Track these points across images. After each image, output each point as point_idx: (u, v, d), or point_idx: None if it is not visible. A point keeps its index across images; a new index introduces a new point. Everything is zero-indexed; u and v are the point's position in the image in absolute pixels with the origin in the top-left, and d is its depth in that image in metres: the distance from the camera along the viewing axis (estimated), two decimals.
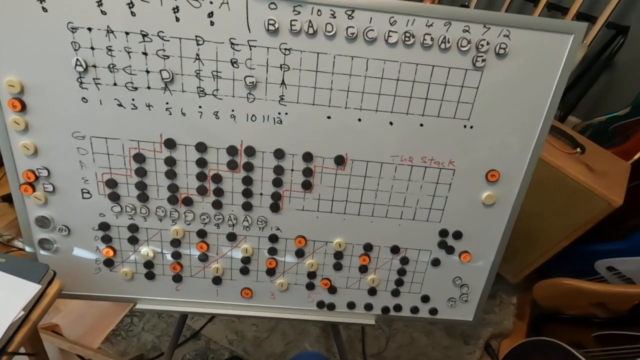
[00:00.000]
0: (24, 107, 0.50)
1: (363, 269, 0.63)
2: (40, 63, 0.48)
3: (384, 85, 0.51)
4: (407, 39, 0.48)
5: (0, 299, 0.51)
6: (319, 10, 0.47)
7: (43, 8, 0.45)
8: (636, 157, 1.09)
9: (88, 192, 0.56)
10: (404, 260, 0.62)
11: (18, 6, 0.45)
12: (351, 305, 0.66)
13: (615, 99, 1.53)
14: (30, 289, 0.52)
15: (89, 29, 0.47)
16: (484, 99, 0.51)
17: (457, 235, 0.60)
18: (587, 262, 1.09)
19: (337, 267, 0.63)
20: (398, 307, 0.66)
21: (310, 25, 0.47)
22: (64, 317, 1.23)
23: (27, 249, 0.60)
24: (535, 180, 0.56)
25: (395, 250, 0.61)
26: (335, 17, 0.47)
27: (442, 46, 0.48)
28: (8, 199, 1.47)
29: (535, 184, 0.56)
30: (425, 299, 0.65)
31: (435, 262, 0.62)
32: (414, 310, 0.66)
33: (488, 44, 0.48)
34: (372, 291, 0.64)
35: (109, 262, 0.61)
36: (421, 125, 0.53)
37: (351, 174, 0.56)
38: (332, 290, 0.64)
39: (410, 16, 0.47)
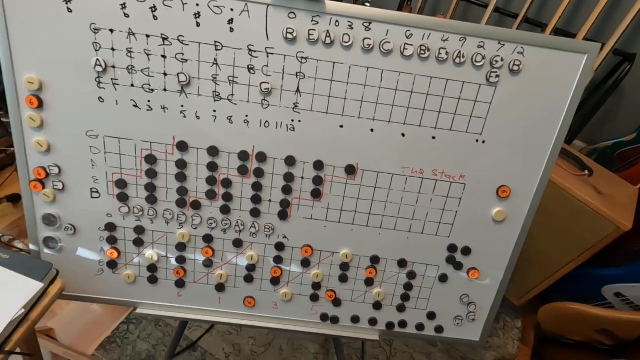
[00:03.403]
0: (40, 104, 0.51)
1: (369, 282, 0.62)
2: (60, 62, 0.49)
3: (398, 96, 0.51)
4: (422, 52, 0.48)
5: (0, 295, 0.50)
6: (337, 21, 0.47)
7: (68, 9, 0.46)
8: None
9: (97, 192, 0.56)
10: (411, 275, 0.61)
11: (44, 5, 0.46)
12: (355, 320, 0.65)
13: (620, 125, 1.54)
14: (32, 287, 0.51)
15: (111, 31, 0.48)
16: (496, 114, 0.51)
17: (466, 251, 0.59)
18: (593, 286, 1.07)
19: (343, 278, 0.62)
20: (403, 324, 0.64)
21: (328, 35, 0.48)
22: (58, 321, 1.20)
23: (32, 246, 0.59)
24: (541, 201, 0.56)
25: (402, 263, 0.60)
26: (352, 29, 0.48)
27: (457, 61, 0.49)
28: (12, 199, 1.47)
29: (542, 205, 0.55)
30: (431, 315, 0.64)
31: (443, 278, 0.61)
32: (420, 327, 0.65)
33: (502, 60, 0.48)
34: (378, 305, 0.63)
35: (112, 264, 0.60)
36: (433, 138, 0.53)
37: (361, 184, 0.56)
38: (337, 302, 0.63)
39: (427, 30, 0.48)
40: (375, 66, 0.49)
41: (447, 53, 0.48)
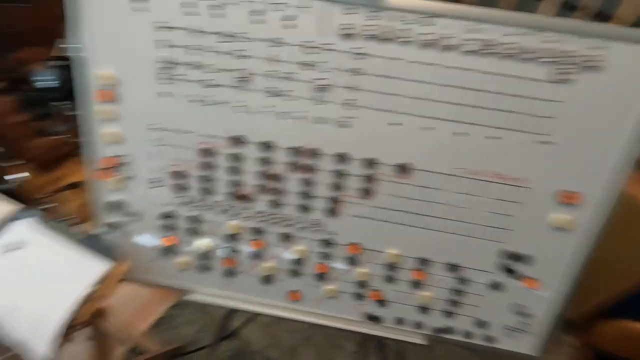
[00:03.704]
0: (110, 99, 0.54)
1: (416, 284, 0.60)
2: (129, 58, 0.52)
3: (457, 94, 0.49)
4: (486, 47, 0.46)
5: (74, 273, 0.54)
6: (396, 16, 0.46)
7: (134, 8, 0.49)
8: None
9: (157, 182, 0.59)
10: (462, 280, 0.59)
11: (118, 6, 0.49)
12: (399, 321, 0.63)
13: None
14: (102, 265, 0.55)
15: (177, 29, 0.50)
16: (568, 114, 0.48)
17: (524, 258, 0.56)
18: None
19: (389, 279, 0.60)
20: (450, 330, 0.62)
21: (386, 30, 0.47)
22: (111, 301, 1.30)
23: (97, 230, 0.64)
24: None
25: (452, 267, 0.58)
26: (412, 24, 0.46)
27: (524, 56, 0.46)
28: (74, 186, 1.60)
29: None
30: (481, 323, 0.61)
31: (496, 286, 0.58)
32: (468, 335, 0.62)
33: (577, 56, 0.45)
34: (424, 309, 0.62)
35: (167, 250, 0.64)
36: (494, 138, 0.50)
37: (414, 184, 0.54)
38: (382, 302, 0.62)
39: (492, 24, 0.45)
40: (435, 62, 0.48)
41: (513, 48, 0.45)
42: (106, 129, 0.56)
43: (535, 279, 0.57)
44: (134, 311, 1.32)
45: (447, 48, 0.47)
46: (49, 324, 0.53)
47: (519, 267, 0.57)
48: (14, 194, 0.79)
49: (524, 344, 0.61)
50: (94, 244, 0.58)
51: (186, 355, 1.14)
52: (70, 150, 1.78)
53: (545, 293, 0.57)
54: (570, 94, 0.47)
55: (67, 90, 0.95)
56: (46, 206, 1.19)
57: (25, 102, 0.92)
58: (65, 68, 0.95)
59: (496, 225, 0.55)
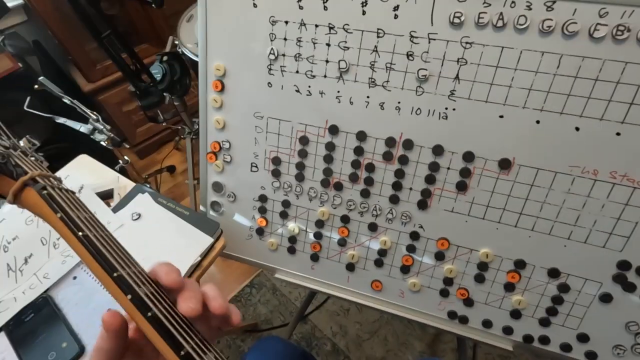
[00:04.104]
0: (222, 88, 0.60)
1: (509, 287, 0.57)
2: (241, 51, 0.57)
3: (577, 85, 0.45)
4: (619, 33, 0.41)
5: (183, 244, 0.61)
6: (513, 2, 0.44)
7: (254, 4, 0.53)
8: None
9: (256, 166, 0.64)
10: (563, 288, 0.54)
11: (235, 2, 0.54)
12: (487, 324, 0.61)
13: None
14: (205, 240, 0.61)
15: (286, 22, 0.53)
16: None
17: None
18: None
19: (479, 278, 0.58)
20: (545, 340, 0.58)
21: (501, 17, 0.44)
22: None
23: (202, 208, 0.71)
24: None
25: (553, 273, 0.54)
26: (531, 10, 0.44)
27: None
28: (170, 169, 1.79)
29: None
30: (583, 338, 0.56)
31: (606, 298, 0.53)
32: (566, 348, 0.57)
33: None
34: (516, 314, 0.58)
35: (260, 231, 0.69)
36: (617, 134, 0.45)
37: (515, 180, 0.51)
38: (469, 302, 0.60)
39: (629, 7, 0.41)
40: (553, 51, 0.44)
41: None
42: (218, 116, 0.62)
43: None
44: (217, 284, 1.44)
45: (571, 34, 0.43)
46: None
47: (637, 280, 0.51)
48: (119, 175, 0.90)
49: None
50: (197, 220, 0.65)
51: (259, 332, 1.22)
52: (166, 137, 1.98)
53: None
54: None
55: (172, 82, 1.07)
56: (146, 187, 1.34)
57: (137, 93, 1.05)
58: (173, 62, 1.07)
59: (612, 232, 0.50)
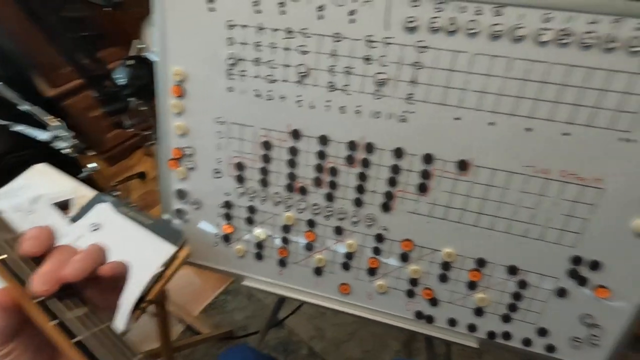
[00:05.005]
0: (182, 94, 0.58)
1: (472, 286, 0.58)
2: (200, 55, 0.56)
3: (526, 87, 0.46)
4: (562, 37, 0.43)
5: (145, 254, 0.59)
6: (463, 7, 0.45)
7: (210, 8, 0.52)
8: None
9: (219, 172, 0.63)
10: (522, 284, 0.56)
11: (192, 7, 0.53)
12: (452, 322, 0.62)
13: None
14: (168, 249, 0.60)
15: (244, 26, 0.52)
16: None
17: (595, 265, 0.52)
18: None
19: (443, 278, 0.59)
20: (507, 335, 0.59)
21: (452, 22, 0.45)
22: (169, 283, 1.40)
23: (165, 216, 0.69)
24: None
25: (512, 270, 0.56)
26: (480, 14, 0.45)
27: (606, 46, 0.42)
28: (140, 176, 1.74)
29: None
30: (542, 332, 0.58)
31: (561, 292, 0.55)
32: (526, 342, 0.59)
33: None
34: (479, 311, 0.59)
35: (226, 238, 0.67)
36: (565, 134, 0.47)
37: (473, 181, 0.52)
38: (434, 302, 0.61)
39: (572, 12, 0.42)
40: (503, 54, 0.46)
41: (593, 38, 0.42)
42: (178, 122, 0.60)
43: (607, 288, 0.52)
44: (189, 294, 1.41)
45: (519, 39, 0.44)
46: (124, 299, 0.58)
47: (590, 274, 0.53)
48: (86, 183, 0.87)
49: (588, 358, 0.57)
50: (161, 229, 0.63)
51: (235, 340, 1.20)
52: (136, 142, 1.93)
53: (616, 304, 0.53)
54: None
55: (139, 87, 1.04)
56: (114, 194, 1.30)
57: (103, 98, 1.02)
58: (139, 66, 1.04)
59: (565, 228, 0.51)
